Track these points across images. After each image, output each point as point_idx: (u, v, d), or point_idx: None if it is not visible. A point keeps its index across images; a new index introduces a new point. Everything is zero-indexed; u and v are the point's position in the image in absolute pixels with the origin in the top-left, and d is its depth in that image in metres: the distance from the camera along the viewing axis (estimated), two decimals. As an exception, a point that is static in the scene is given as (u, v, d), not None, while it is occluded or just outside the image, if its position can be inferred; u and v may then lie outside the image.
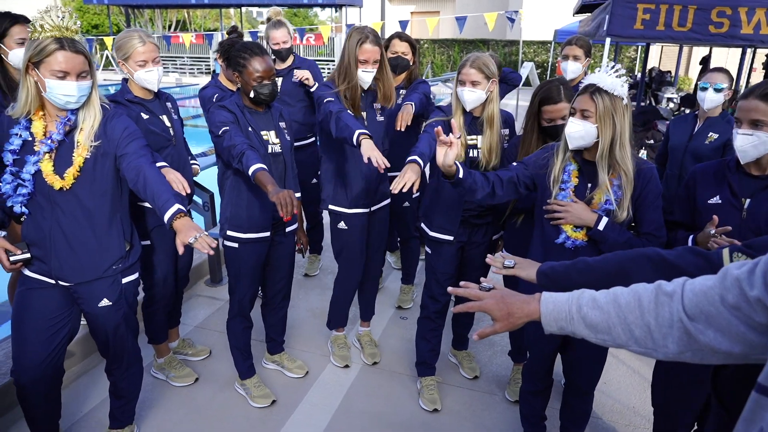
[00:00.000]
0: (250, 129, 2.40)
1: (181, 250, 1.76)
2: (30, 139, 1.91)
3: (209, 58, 21.50)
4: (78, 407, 2.64)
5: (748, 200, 1.85)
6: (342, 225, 2.88)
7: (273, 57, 3.67)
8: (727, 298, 0.91)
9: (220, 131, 2.31)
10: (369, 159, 2.22)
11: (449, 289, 1.35)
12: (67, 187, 1.92)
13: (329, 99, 2.62)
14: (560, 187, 2.01)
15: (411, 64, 3.31)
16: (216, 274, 3.96)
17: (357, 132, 2.35)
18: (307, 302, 3.79)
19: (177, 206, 1.82)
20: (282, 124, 2.54)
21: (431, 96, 3.51)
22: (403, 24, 10.56)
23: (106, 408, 2.53)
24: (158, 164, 2.25)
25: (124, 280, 2.14)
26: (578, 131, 1.91)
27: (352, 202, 2.83)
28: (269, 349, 3.01)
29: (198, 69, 21.74)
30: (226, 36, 3.27)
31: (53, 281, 2.03)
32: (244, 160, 2.20)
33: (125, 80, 2.48)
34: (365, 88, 2.70)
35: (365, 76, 2.63)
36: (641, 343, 1.03)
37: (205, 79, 18.55)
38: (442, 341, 2.89)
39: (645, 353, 1.03)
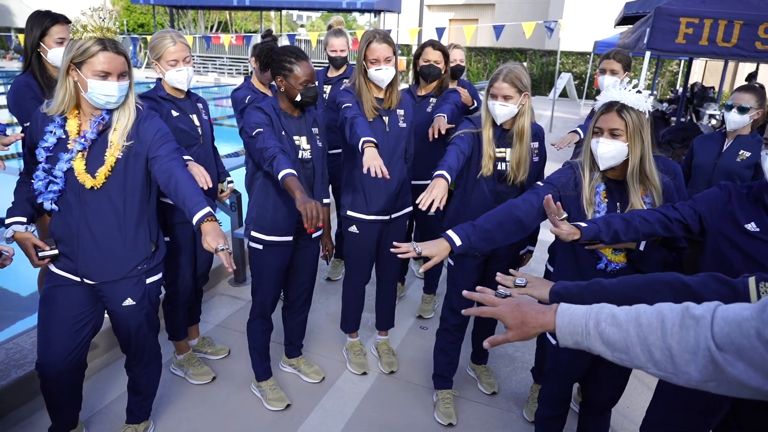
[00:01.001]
0: (283, 133, 2.42)
1: (209, 248, 1.79)
2: (64, 137, 1.96)
3: (248, 59, 21.91)
4: (98, 399, 2.69)
5: None
6: (353, 229, 2.89)
7: (328, 64, 3.76)
8: (764, 332, 0.85)
9: (254, 132, 2.33)
10: (368, 169, 2.20)
11: (464, 293, 1.33)
12: (98, 186, 1.95)
13: (347, 105, 2.63)
14: (595, 210, 1.93)
15: (443, 72, 3.29)
16: (240, 274, 4.00)
17: (362, 140, 2.34)
18: (327, 307, 3.79)
19: (207, 209, 1.85)
20: (315, 130, 2.55)
21: (474, 101, 3.48)
22: (440, 31, 10.53)
23: (124, 402, 2.57)
24: (184, 158, 2.29)
25: (149, 281, 2.18)
26: (610, 151, 1.86)
27: (370, 209, 2.83)
28: (287, 353, 3.02)
29: (236, 70, 22.15)
30: (261, 39, 3.31)
31: (79, 279, 2.07)
32: (275, 163, 2.22)
33: (159, 79, 2.54)
34: (383, 87, 2.70)
35: (378, 74, 2.63)
36: (661, 367, 0.97)
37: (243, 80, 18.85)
38: (461, 354, 2.85)
39: (665, 377, 0.97)
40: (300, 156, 2.47)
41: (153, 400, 2.44)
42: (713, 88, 10.51)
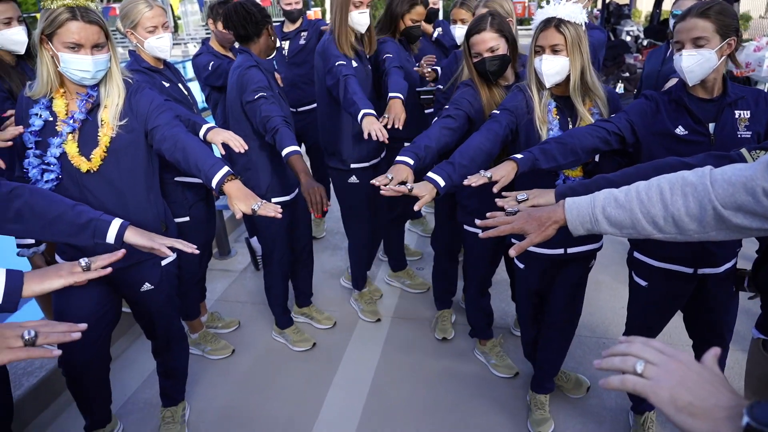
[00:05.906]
0: (277, 92, 2.35)
1: (239, 215, 1.73)
2: (51, 119, 1.80)
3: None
4: (121, 390, 2.60)
5: (712, 125, 1.73)
6: (353, 179, 2.86)
7: (283, 18, 3.62)
8: None
9: (256, 96, 2.23)
10: (368, 134, 2.18)
11: (478, 222, 1.38)
12: (95, 169, 1.82)
13: (341, 62, 2.52)
14: (549, 128, 1.92)
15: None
16: (224, 247, 3.90)
17: (362, 112, 2.27)
18: (319, 264, 3.77)
19: (226, 168, 1.76)
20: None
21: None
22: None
23: (149, 388, 2.53)
24: (206, 126, 2.17)
25: (164, 262, 2.08)
26: (554, 67, 1.84)
27: (371, 154, 2.84)
28: (298, 303, 3.09)
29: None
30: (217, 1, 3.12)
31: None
32: (277, 137, 2.15)
33: (132, 51, 2.34)
34: (362, 32, 2.64)
35: (361, 18, 2.57)
36: (666, 231, 1.08)
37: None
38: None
39: (669, 239, 1.10)
40: None
41: (186, 380, 2.40)
42: (627, 5, 10.90)
